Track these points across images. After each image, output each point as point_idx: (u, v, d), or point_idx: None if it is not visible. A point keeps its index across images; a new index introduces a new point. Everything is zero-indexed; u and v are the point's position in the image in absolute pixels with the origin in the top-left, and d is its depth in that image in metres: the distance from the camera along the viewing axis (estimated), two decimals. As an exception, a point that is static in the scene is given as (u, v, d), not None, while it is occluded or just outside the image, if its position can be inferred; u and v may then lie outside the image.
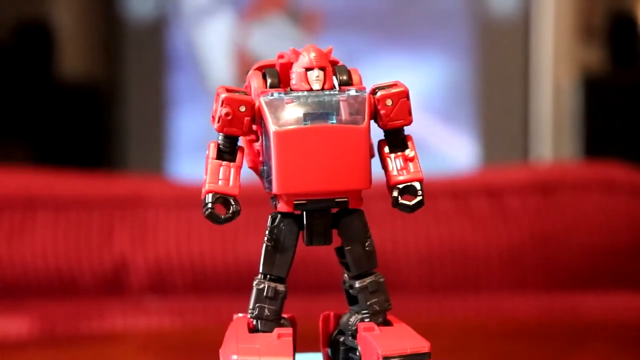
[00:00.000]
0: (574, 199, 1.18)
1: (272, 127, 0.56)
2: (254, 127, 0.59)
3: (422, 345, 0.54)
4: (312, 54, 0.58)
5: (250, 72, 0.61)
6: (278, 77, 0.59)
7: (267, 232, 0.60)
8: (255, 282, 0.60)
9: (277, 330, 0.58)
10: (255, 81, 0.59)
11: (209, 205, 0.58)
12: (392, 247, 1.18)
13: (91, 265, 1.18)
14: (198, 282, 1.19)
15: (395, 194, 0.59)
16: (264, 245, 0.60)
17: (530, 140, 3.05)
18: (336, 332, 0.62)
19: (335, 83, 0.58)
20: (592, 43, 3.04)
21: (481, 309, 1.15)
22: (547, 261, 1.17)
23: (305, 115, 0.56)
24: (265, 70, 0.60)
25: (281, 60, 0.60)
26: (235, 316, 0.62)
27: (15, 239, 1.18)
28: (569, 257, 1.16)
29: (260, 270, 0.60)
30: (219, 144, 0.59)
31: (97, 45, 3.20)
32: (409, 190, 0.59)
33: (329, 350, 0.63)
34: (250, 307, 0.59)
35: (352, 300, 0.61)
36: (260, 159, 0.60)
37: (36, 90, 3.00)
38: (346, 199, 0.58)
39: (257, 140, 0.60)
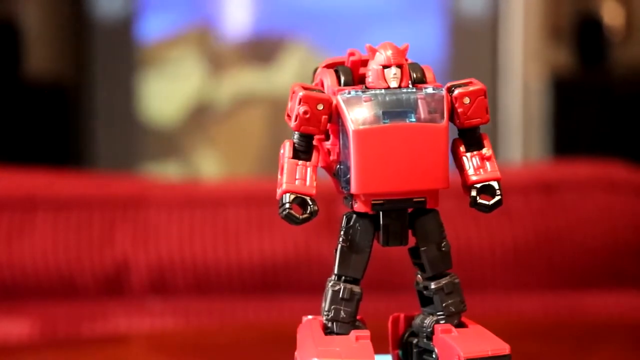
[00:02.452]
0: (577, 198, 1.18)
1: (351, 126, 0.56)
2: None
3: (502, 347, 0.54)
4: (389, 51, 0.57)
5: (319, 69, 0.60)
6: (352, 74, 0.58)
7: (342, 232, 0.59)
8: (330, 284, 0.59)
9: (354, 333, 0.57)
10: (328, 79, 0.58)
11: (287, 205, 0.57)
12: (395, 247, 1.18)
13: (92, 266, 1.16)
14: (200, 283, 1.18)
15: (473, 193, 0.58)
16: (339, 246, 0.59)
17: (500, 141, 3.06)
18: (408, 333, 0.61)
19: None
20: (560, 44, 3.06)
21: (486, 309, 1.15)
22: (551, 260, 1.17)
23: (384, 113, 0.56)
24: (337, 68, 0.59)
25: (352, 58, 0.59)
26: (304, 318, 0.61)
27: (15, 240, 1.16)
28: (573, 256, 1.17)
29: (335, 272, 0.59)
30: (294, 143, 0.58)
31: (65, 44, 3.16)
32: (486, 190, 0.58)
33: (399, 352, 0.62)
34: (326, 309, 0.58)
35: (425, 301, 0.60)
36: (332, 158, 0.59)
37: (3, 90, 2.96)
38: (424, 199, 0.58)
39: (327, 139, 0.59)
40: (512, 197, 1.18)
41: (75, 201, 1.19)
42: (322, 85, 0.59)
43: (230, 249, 1.17)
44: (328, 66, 0.60)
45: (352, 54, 0.59)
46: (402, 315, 0.62)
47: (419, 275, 0.61)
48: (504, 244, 1.17)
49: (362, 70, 0.59)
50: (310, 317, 0.60)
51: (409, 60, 0.59)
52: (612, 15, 3.07)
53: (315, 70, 0.61)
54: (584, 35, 3.05)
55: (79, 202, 1.19)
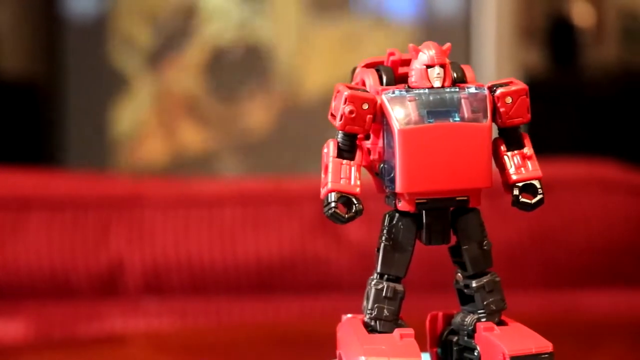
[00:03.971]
0: (572, 198, 1.19)
1: (396, 125, 0.56)
2: None
3: (545, 345, 0.55)
4: (433, 51, 0.57)
5: (358, 69, 0.60)
6: (393, 74, 0.59)
7: (384, 231, 0.59)
8: (372, 282, 0.59)
9: (397, 331, 0.57)
10: (370, 78, 0.59)
11: (332, 204, 0.57)
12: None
13: (87, 266, 1.16)
14: (196, 283, 1.17)
15: (516, 192, 0.59)
16: (382, 244, 0.59)
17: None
18: (447, 332, 0.61)
19: None
20: (533, 45, 3.08)
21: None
22: (546, 260, 1.18)
23: (428, 113, 0.56)
24: (379, 67, 0.59)
25: (392, 58, 0.59)
26: (344, 317, 0.61)
27: (9, 240, 1.15)
28: (567, 255, 1.18)
29: (378, 270, 0.59)
30: (338, 142, 0.58)
31: (38, 43, 3.14)
32: (527, 189, 0.58)
33: (438, 350, 0.62)
34: (369, 307, 0.58)
35: (465, 299, 0.61)
36: (372, 157, 0.59)
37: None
38: (466, 198, 0.58)
39: (368, 138, 0.59)
40: (507, 196, 1.18)
41: (70, 201, 1.18)
42: (363, 85, 0.59)
43: (226, 249, 1.17)
44: (367, 66, 0.60)
45: (392, 54, 0.60)
46: (440, 314, 0.62)
47: (459, 274, 0.61)
48: (499, 244, 1.17)
49: (401, 69, 0.60)
50: (349, 315, 0.60)
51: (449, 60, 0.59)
52: (583, 16, 3.10)
53: (354, 69, 0.61)
54: (556, 36, 3.07)
55: (73, 202, 1.18)
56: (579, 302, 1.17)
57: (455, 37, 3.10)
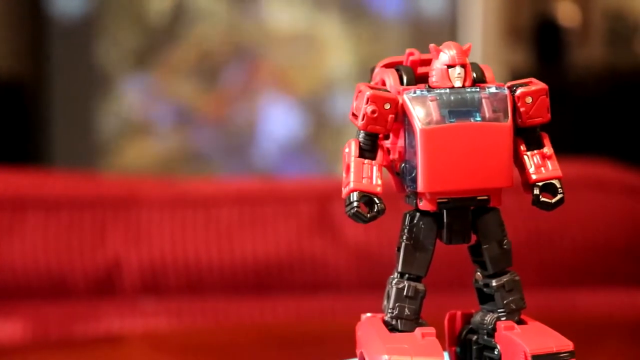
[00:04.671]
0: (568, 198, 1.19)
1: (418, 125, 0.56)
2: None
3: (566, 343, 0.55)
4: (454, 51, 0.58)
5: (377, 69, 0.60)
6: (413, 74, 0.59)
7: (405, 230, 0.59)
8: (393, 282, 0.59)
9: (419, 330, 0.57)
10: (390, 78, 0.59)
11: (355, 204, 0.57)
12: (390, 246, 1.18)
13: (84, 266, 1.15)
14: (193, 283, 1.17)
15: (536, 192, 0.59)
16: (403, 244, 0.59)
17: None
18: (466, 331, 0.62)
19: None
20: (518, 45, 3.09)
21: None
22: (543, 259, 1.18)
23: (449, 112, 0.56)
24: (399, 67, 0.60)
25: (412, 57, 0.60)
26: (363, 316, 0.61)
27: (5, 241, 1.15)
28: (565, 254, 1.18)
29: (399, 270, 0.59)
30: (360, 142, 0.58)
31: (23, 42, 3.13)
32: (547, 189, 0.59)
33: (457, 349, 0.62)
34: (390, 306, 0.58)
35: (485, 298, 0.61)
36: (392, 157, 0.59)
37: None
38: (487, 197, 0.58)
39: (388, 138, 0.59)
40: (503, 196, 1.19)
41: (66, 201, 1.17)
42: (383, 85, 0.59)
43: (223, 249, 1.17)
44: (386, 66, 0.60)
45: (411, 54, 0.60)
46: (459, 313, 0.63)
47: (479, 273, 0.61)
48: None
49: (420, 69, 0.60)
50: (368, 314, 0.60)
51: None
52: (569, 16, 3.11)
53: (372, 69, 0.61)
54: (542, 36, 3.08)
55: (69, 202, 1.17)
56: (576, 301, 1.18)
57: (441, 36, 3.11)
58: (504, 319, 0.59)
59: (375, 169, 0.57)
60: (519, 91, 0.59)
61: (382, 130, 0.58)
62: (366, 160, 0.57)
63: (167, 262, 1.16)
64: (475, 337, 0.61)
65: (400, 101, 0.57)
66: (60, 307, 1.15)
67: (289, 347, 1.03)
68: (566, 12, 3.11)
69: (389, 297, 0.59)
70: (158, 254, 1.16)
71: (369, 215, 0.57)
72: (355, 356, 0.63)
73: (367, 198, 0.57)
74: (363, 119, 0.57)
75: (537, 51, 3.08)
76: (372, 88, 0.57)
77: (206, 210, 1.19)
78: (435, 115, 0.56)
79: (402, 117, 0.57)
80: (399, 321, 0.58)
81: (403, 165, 0.58)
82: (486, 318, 0.60)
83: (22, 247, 1.14)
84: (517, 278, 0.60)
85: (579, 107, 2.97)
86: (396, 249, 0.60)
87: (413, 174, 0.57)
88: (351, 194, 0.57)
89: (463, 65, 0.58)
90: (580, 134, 2.93)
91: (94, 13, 3.10)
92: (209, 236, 1.18)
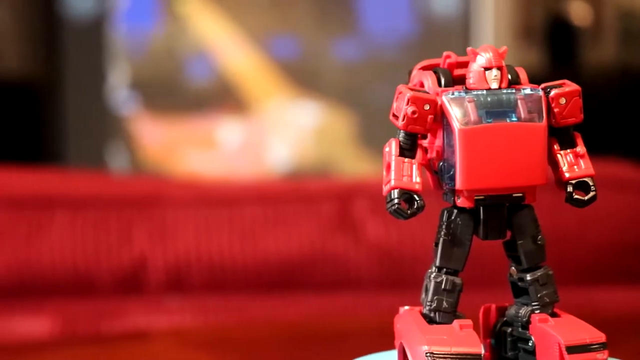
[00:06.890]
0: (586, 197, 1.21)
1: (456, 125, 0.58)
2: None
3: (599, 335, 0.57)
4: (490, 54, 0.60)
5: (415, 71, 0.63)
6: (451, 76, 0.61)
7: (443, 226, 0.61)
8: (432, 275, 0.61)
9: (457, 322, 0.59)
10: (429, 80, 0.61)
11: (396, 201, 0.59)
12: (410, 244, 1.20)
13: (110, 264, 1.17)
14: (217, 280, 1.19)
15: (570, 189, 0.61)
16: (441, 239, 0.61)
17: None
18: (500, 323, 0.64)
19: None
20: (531, 44, 3.10)
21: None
22: (560, 258, 1.20)
23: (486, 113, 0.58)
24: (436, 70, 0.62)
25: (449, 60, 0.62)
26: (401, 309, 0.63)
27: (33, 239, 1.16)
28: (582, 253, 1.20)
29: (437, 264, 0.61)
30: (400, 142, 0.60)
31: (36, 42, 3.14)
32: (580, 186, 0.61)
33: (492, 342, 0.64)
34: (428, 299, 0.60)
35: (519, 292, 0.63)
36: (430, 155, 0.61)
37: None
38: (522, 195, 0.60)
39: (425, 137, 0.61)
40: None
41: (93, 200, 1.19)
42: (422, 86, 0.62)
43: (247, 247, 1.19)
44: (423, 68, 0.62)
45: (448, 57, 0.62)
46: (493, 306, 0.64)
47: (513, 268, 0.63)
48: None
49: (457, 71, 0.62)
50: (407, 307, 0.62)
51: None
52: (581, 15, 3.12)
53: (410, 71, 0.63)
54: (554, 35, 3.09)
55: (96, 202, 1.19)
56: (594, 299, 1.19)
57: (453, 37, 3.12)
58: (538, 311, 0.61)
59: (414, 167, 0.60)
60: (553, 92, 0.61)
61: (421, 130, 0.60)
62: (406, 159, 0.60)
63: (192, 260, 1.18)
64: (509, 330, 0.63)
65: (439, 102, 0.59)
66: (88, 304, 1.16)
67: (311, 343, 1.05)
68: (579, 12, 3.12)
69: (427, 291, 0.61)
70: (183, 252, 1.18)
71: (409, 211, 0.59)
72: (373, 351, 0.65)
73: (407, 195, 0.59)
74: (403, 120, 0.59)
75: (550, 51, 3.09)
76: (412, 90, 0.60)
77: (230, 209, 1.21)
78: (472, 116, 0.58)
79: (440, 117, 0.60)
80: (437, 313, 0.60)
81: (441, 163, 0.60)
82: (521, 311, 0.62)
83: (50, 245, 1.16)
84: (550, 272, 0.62)
85: (592, 107, 2.97)
86: (434, 244, 0.62)
87: (451, 172, 0.59)
88: (392, 192, 0.59)
89: (499, 68, 0.60)
90: (593, 133, 2.94)
91: (106, 14, 3.12)
92: (233, 234, 1.19)
